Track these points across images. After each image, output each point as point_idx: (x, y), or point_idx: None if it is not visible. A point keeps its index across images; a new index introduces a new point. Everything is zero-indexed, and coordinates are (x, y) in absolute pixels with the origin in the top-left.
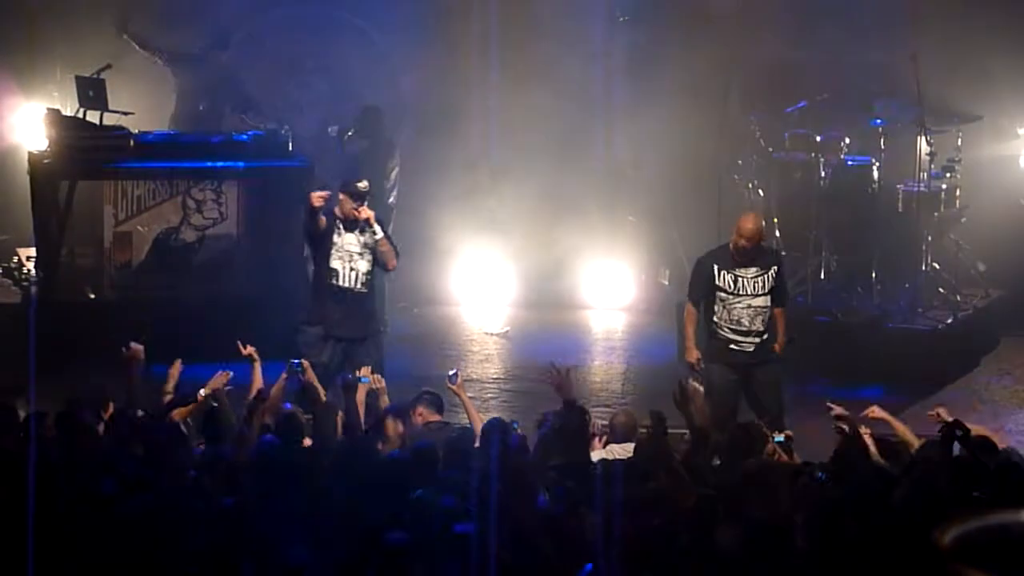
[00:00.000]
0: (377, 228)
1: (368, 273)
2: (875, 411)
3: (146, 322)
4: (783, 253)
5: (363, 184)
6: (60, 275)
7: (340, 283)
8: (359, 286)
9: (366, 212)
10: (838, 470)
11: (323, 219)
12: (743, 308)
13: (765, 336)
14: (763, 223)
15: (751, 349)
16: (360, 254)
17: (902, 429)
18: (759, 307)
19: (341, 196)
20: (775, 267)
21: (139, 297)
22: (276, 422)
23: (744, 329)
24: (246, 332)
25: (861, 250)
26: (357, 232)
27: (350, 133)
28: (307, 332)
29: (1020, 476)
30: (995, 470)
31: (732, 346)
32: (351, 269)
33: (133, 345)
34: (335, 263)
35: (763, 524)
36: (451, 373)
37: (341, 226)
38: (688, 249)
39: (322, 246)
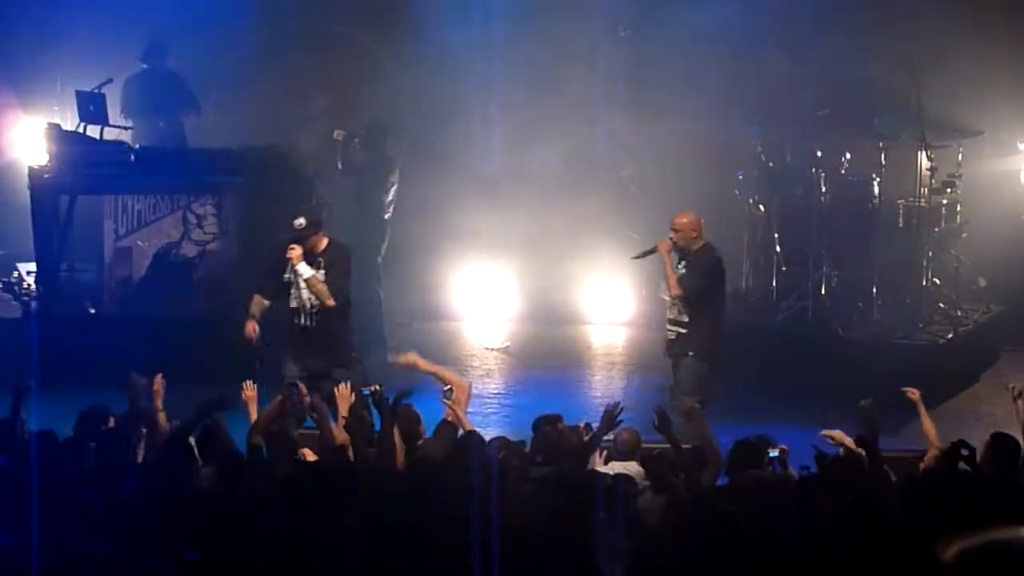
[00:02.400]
0: (302, 268)
1: (320, 305)
2: (913, 393)
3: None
4: (718, 256)
5: (298, 221)
6: (60, 290)
7: (297, 320)
8: (311, 322)
9: (292, 252)
10: (839, 477)
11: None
12: (669, 299)
13: (686, 332)
14: (697, 221)
15: (672, 337)
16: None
17: (928, 425)
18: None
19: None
20: (686, 261)
21: (139, 312)
22: (267, 440)
23: (670, 318)
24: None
25: (862, 265)
26: (312, 266)
27: (356, 140)
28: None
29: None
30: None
31: (667, 331)
32: (305, 300)
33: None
34: (292, 300)
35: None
36: (446, 388)
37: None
38: None
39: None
